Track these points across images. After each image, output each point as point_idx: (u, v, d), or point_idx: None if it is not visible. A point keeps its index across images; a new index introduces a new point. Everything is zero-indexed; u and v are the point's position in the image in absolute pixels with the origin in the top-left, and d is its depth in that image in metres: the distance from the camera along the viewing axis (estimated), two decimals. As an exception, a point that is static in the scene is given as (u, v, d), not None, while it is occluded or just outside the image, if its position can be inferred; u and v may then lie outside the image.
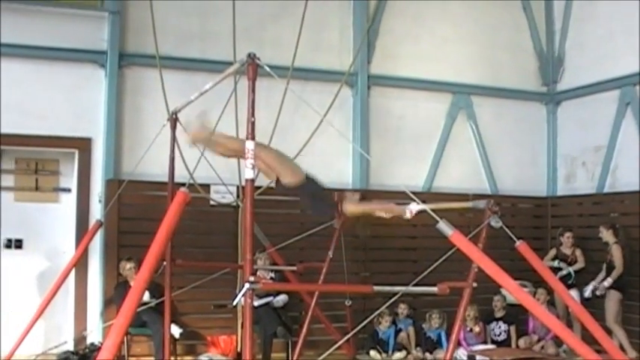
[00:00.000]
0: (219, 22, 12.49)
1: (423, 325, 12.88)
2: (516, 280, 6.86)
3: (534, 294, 12.48)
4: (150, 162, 10.90)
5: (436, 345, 12.72)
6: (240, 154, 7.74)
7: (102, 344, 11.36)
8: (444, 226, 6.56)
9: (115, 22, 12.27)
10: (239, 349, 11.68)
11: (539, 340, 12.76)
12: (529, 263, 8.25)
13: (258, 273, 11.26)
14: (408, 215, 7.71)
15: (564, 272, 12.79)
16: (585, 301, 12.10)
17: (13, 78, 11.82)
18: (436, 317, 12.80)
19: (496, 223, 7.84)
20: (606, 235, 12.51)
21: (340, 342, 9.03)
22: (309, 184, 7.70)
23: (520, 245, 8.03)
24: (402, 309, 12.88)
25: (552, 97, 15.33)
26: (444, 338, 12.67)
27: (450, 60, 14.47)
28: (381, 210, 7.78)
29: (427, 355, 12.56)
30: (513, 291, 6.66)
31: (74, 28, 12.16)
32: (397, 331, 12.82)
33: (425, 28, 14.38)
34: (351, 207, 7.87)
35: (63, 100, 12.10)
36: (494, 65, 14.89)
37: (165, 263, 8.66)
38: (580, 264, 13.02)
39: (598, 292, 12.31)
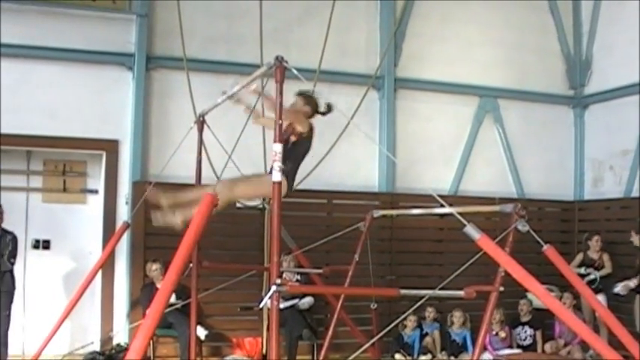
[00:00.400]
0: (246, 25, 12.49)
1: (448, 329, 12.82)
2: (543, 284, 6.82)
3: (560, 298, 12.39)
4: (177, 164, 10.89)
5: (461, 349, 12.67)
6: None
7: (128, 345, 11.45)
8: (471, 230, 6.53)
9: (143, 25, 12.34)
10: (264, 352, 11.68)
11: (565, 345, 12.67)
12: (555, 268, 8.20)
13: (283, 275, 11.27)
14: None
15: (591, 277, 12.72)
16: (615, 296, 12.10)
17: (42, 80, 11.96)
18: (458, 316, 12.73)
19: (523, 227, 7.80)
20: (636, 239, 12.41)
21: (366, 345, 9.00)
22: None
23: (547, 249, 7.97)
24: (429, 312, 12.84)
25: (579, 100, 15.24)
26: (469, 342, 12.62)
27: (476, 63, 14.42)
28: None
29: (452, 358, 12.51)
30: (541, 295, 6.62)
31: (102, 31, 12.24)
32: (423, 335, 12.77)
33: (451, 30, 14.34)
34: (301, 124, 7.73)
35: (91, 103, 12.19)
36: (521, 68, 14.83)
37: (191, 265, 8.68)
38: (607, 269, 12.93)
39: (619, 291, 12.23)
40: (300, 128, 7.64)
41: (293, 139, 7.72)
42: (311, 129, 7.80)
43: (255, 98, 8.05)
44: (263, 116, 8.47)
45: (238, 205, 12.06)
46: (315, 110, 7.88)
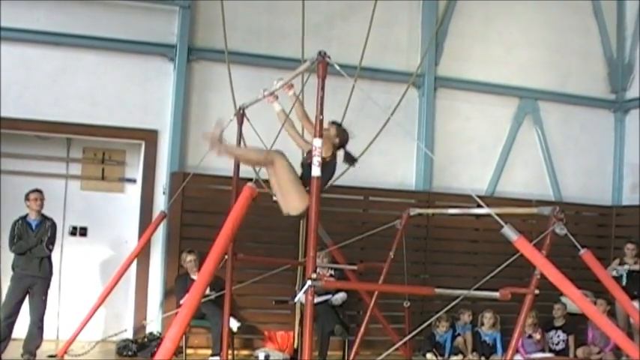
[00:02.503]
0: (288, 19, 12.52)
1: (478, 329, 12.74)
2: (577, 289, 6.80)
3: (594, 304, 12.27)
4: (215, 156, 10.98)
5: (492, 350, 12.59)
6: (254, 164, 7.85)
7: (161, 334, 11.55)
8: (508, 231, 6.53)
9: (186, 17, 12.38)
10: (296, 346, 11.71)
11: (598, 352, 12.55)
12: (589, 272, 8.16)
13: (318, 270, 11.26)
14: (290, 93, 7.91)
15: (619, 273, 12.61)
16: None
17: (84, 69, 12.09)
18: (489, 317, 12.62)
19: (561, 230, 7.76)
20: None
21: (398, 344, 9.03)
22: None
23: (585, 254, 7.94)
24: (464, 315, 12.76)
25: (621, 104, 15.09)
26: (499, 344, 12.54)
27: (517, 64, 14.33)
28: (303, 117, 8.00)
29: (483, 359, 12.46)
30: (576, 299, 6.61)
31: (145, 22, 12.32)
32: (454, 335, 12.73)
33: (494, 31, 14.27)
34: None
35: (131, 92, 12.28)
36: (563, 70, 14.72)
37: (226, 257, 8.71)
38: (644, 272, 12.82)
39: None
40: (326, 150, 7.70)
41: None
42: (334, 155, 7.82)
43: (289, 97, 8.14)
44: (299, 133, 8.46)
45: (275, 198, 12.10)
46: (341, 145, 7.87)
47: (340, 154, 7.83)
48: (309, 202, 6.76)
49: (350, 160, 8.03)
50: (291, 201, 7.39)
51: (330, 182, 7.84)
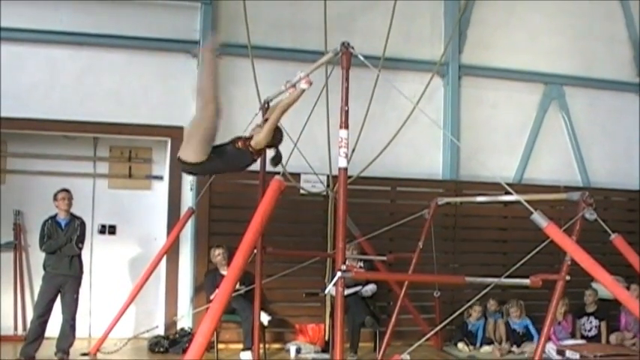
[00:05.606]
0: (311, 12, 12.48)
1: (507, 319, 12.66)
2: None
3: (627, 289, 12.18)
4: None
5: (523, 338, 12.50)
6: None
7: (192, 330, 11.60)
8: (538, 218, 6.50)
9: (208, 12, 12.40)
10: (327, 338, 11.72)
11: (632, 337, 12.46)
12: (621, 258, 8.10)
13: (347, 262, 11.26)
14: (304, 86, 7.52)
15: None
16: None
17: (108, 68, 12.13)
18: (515, 307, 12.54)
19: (591, 215, 7.72)
20: None
21: (430, 334, 8.99)
22: (210, 162, 7.57)
23: (616, 239, 7.88)
24: (491, 304, 12.66)
25: (647, 88, 14.96)
26: (533, 330, 12.43)
27: (542, 50, 14.21)
28: (282, 107, 7.55)
29: (514, 348, 12.38)
30: (609, 285, 6.56)
31: (167, 19, 12.34)
32: (486, 324, 12.66)
33: (517, 17, 14.15)
34: (261, 137, 7.59)
35: (156, 90, 12.31)
36: (588, 55, 14.58)
37: (255, 251, 8.71)
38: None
39: None
40: (259, 142, 7.63)
41: (240, 145, 7.71)
42: (260, 152, 7.78)
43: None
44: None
45: (302, 191, 12.13)
46: (274, 143, 7.84)
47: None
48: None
49: (277, 160, 8.01)
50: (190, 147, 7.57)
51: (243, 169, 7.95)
